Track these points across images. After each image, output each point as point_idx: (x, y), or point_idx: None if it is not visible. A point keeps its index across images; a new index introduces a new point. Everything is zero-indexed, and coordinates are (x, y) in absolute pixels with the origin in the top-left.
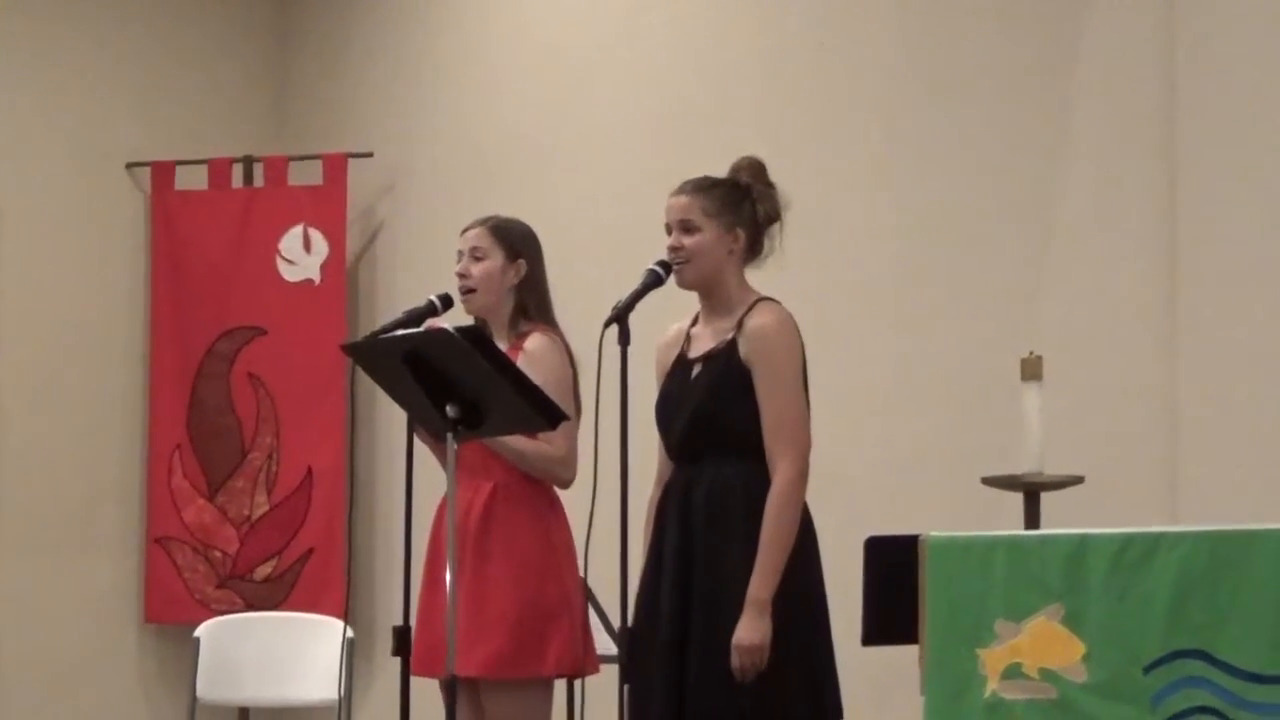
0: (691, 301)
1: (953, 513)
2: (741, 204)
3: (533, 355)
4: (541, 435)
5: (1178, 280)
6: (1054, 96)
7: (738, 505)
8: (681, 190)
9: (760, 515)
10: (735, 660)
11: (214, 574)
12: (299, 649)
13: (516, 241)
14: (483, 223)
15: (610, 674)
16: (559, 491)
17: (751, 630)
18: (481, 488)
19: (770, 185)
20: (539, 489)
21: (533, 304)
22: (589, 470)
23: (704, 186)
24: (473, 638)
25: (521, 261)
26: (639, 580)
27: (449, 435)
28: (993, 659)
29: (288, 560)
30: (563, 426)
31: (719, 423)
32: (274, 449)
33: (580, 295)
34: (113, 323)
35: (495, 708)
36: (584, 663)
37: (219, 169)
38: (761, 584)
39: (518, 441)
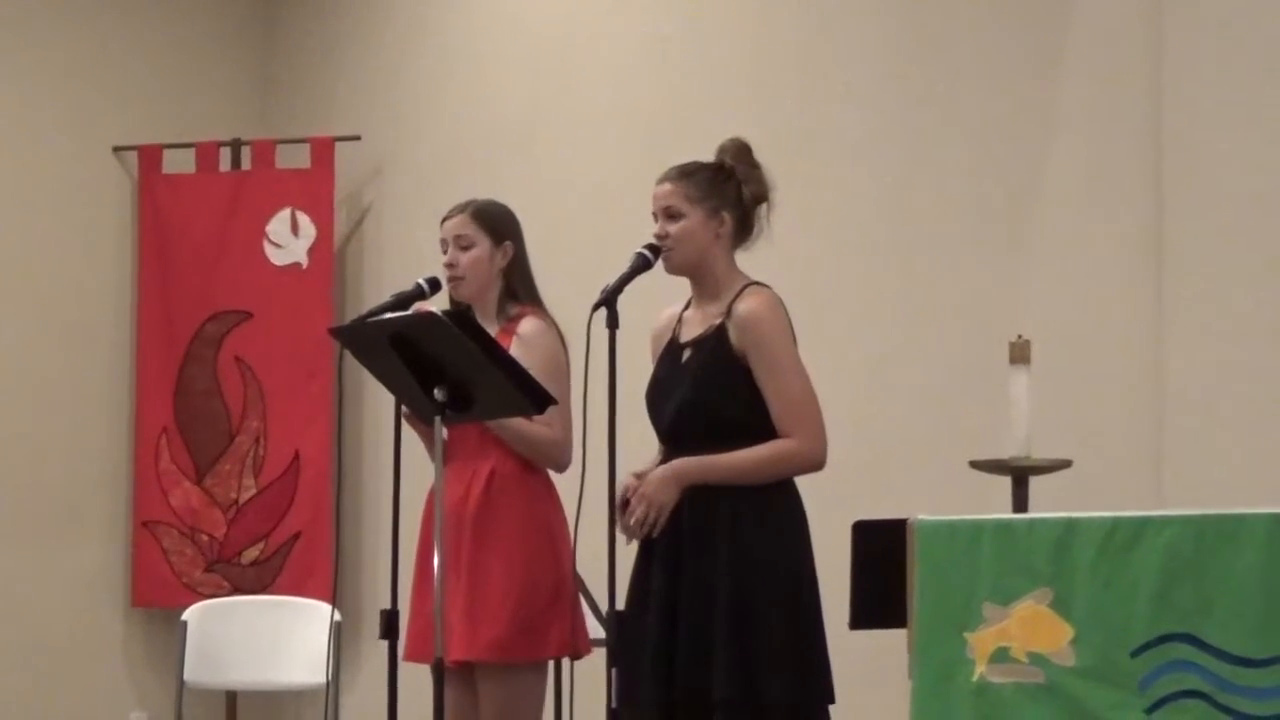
0: (680, 284)
1: (940, 496)
2: (726, 187)
3: (527, 339)
4: (537, 419)
5: (1164, 265)
6: (1041, 82)
7: (725, 491)
8: (665, 177)
9: (746, 501)
10: (635, 508)
11: (201, 558)
12: (286, 633)
13: (501, 225)
14: (463, 209)
15: (598, 657)
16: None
17: (661, 487)
18: (478, 472)
19: (755, 166)
20: (535, 473)
21: (520, 286)
22: (577, 454)
23: (688, 172)
24: (474, 622)
25: (508, 244)
26: (632, 565)
27: (436, 419)
28: (981, 642)
29: (275, 544)
30: (558, 410)
31: (707, 409)
32: (261, 433)
33: (568, 279)
34: (100, 306)
35: (493, 691)
36: (579, 644)
37: (206, 152)
38: (697, 467)
39: (519, 423)
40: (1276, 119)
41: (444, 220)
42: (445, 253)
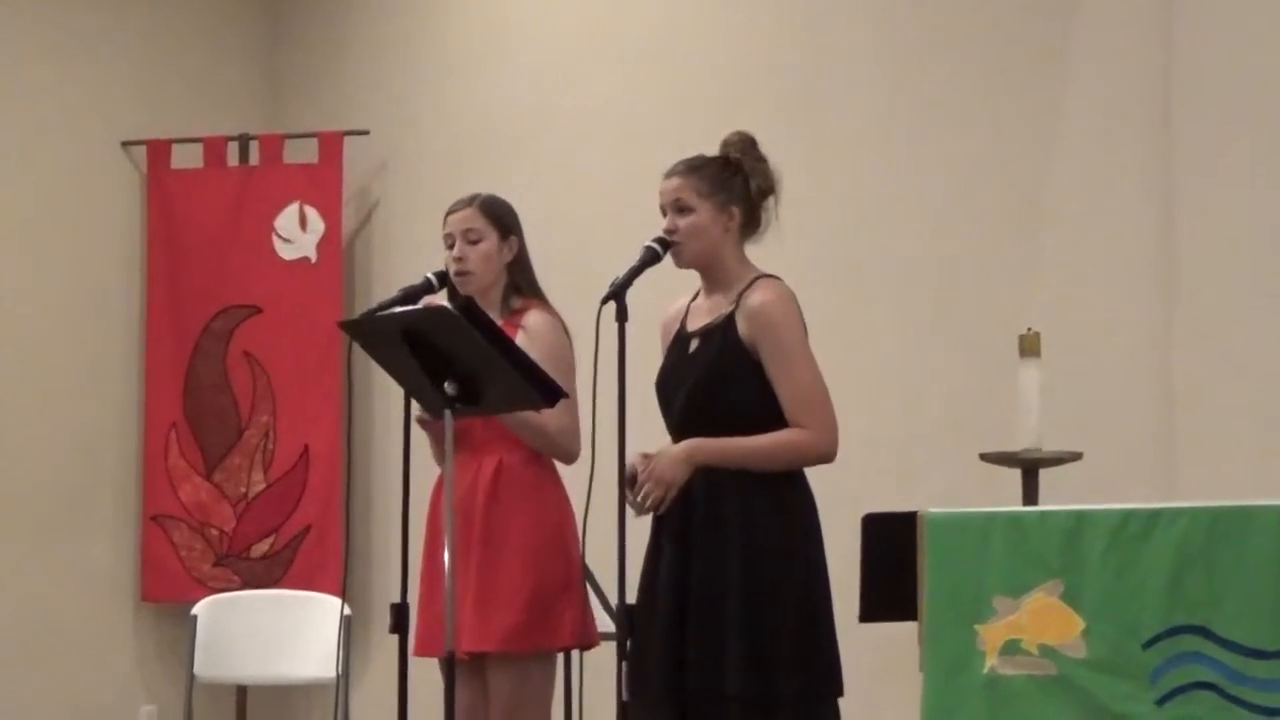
0: (690, 277)
1: (951, 489)
2: (733, 180)
3: (533, 332)
4: (546, 411)
5: (1174, 256)
6: (1049, 74)
7: (734, 482)
8: (673, 172)
9: (757, 493)
10: (643, 484)
11: (211, 552)
12: (296, 627)
13: (506, 218)
14: (469, 203)
15: (607, 650)
16: (560, 467)
17: (671, 465)
18: (485, 465)
19: (761, 159)
20: (541, 464)
21: (523, 280)
22: (586, 447)
23: (695, 166)
24: (487, 613)
25: (514, 238)
26: (643, 557)
27: (447, 412)
28: (992, 635)
29: (285, 538)
30: (566, 402)
31: (716, 399)
32: (270, 427)
33: (576, 273)
34: (109, 301)
35: (504, 683)
36: (588, 635)
37: (215, 147)
38: (709, 448)
39: (531, 414)
40: None
41: (449, 214)
42: (450, 246)
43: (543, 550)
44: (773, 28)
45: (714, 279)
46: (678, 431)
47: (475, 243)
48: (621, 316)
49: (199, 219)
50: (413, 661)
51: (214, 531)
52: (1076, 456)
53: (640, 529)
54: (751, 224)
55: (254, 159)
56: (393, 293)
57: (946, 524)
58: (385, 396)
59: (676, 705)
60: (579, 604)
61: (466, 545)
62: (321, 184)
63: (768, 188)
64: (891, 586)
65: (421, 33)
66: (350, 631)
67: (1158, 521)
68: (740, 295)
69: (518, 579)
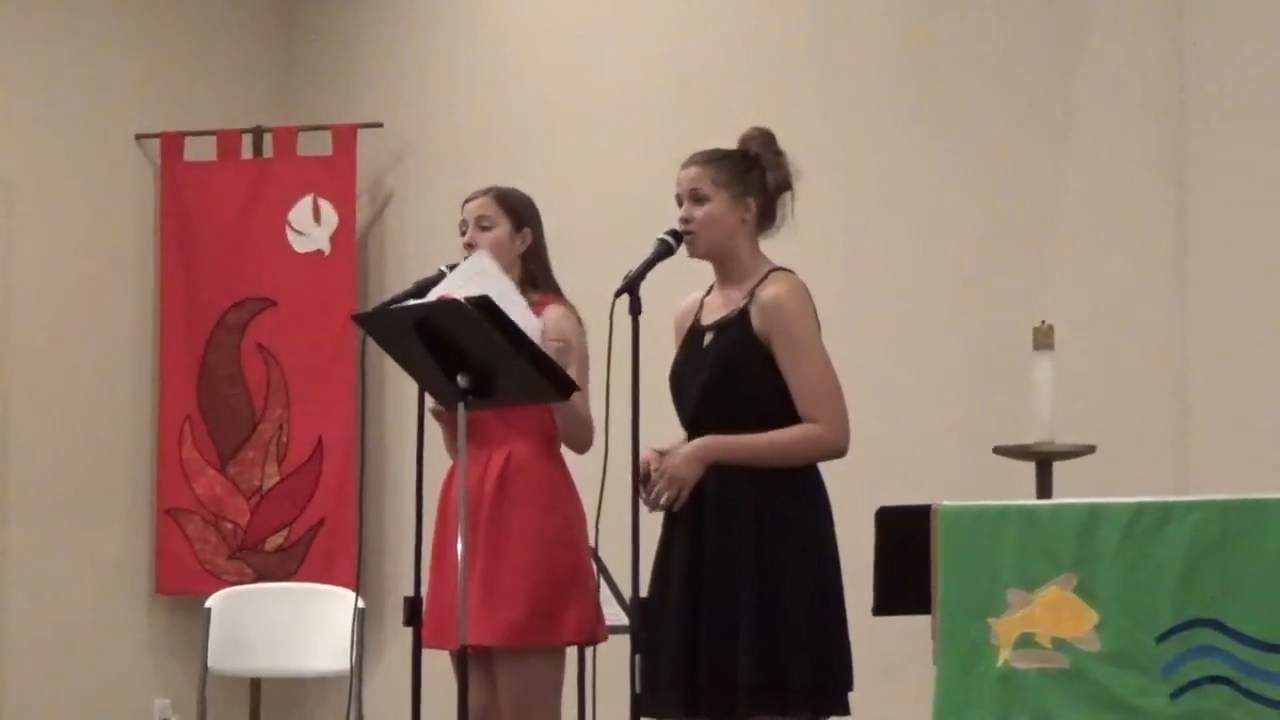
0: (703, 271)
1: (964, 482)
2: (751, 174)
3: (549, 326)
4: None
5: (1187, 250)
6: (1064, 66)
7: (747, 477)
8: (691, 161)
9: (770, 485)
10: (656, 483)
11: (225, 545)
12: (310, 619)
13: (522, 210)
14: (486, 192)
15: (621, 643)
16: (573, 460)
17: (684, 464)
18: (494, 457)
19: (780, 154)
20: (552, 458)
21: (539, 273)
22: (600, 440)
23: (714, 158)
24: (490, 607)
25: (528, 230)
26: (655, 549)
27: (459, 405)
28: (1005, 629)
29: (298, 531)
30: (581, 396)
31: (729, 393)
32: (284, 420)
33: (590, 265)
34: (122, 294)
35: (510, 677)
36: (596, 630)
37: (228, 140)
38: (721, 446)
39: (575, 401)
40: None
41: (466, 202)
42: (464, 234)
43: (549, 544)
44: (787, 26)
45: (727, 272)
46: (691, 425)
47: (486, 230)
48: (635, 310)
49: (213, 212)
50: (426, 654)
51: (228, 524)
52: (1090, 450)
53: (654, 521)
54: (767, 219)
55: (268, 152)
56: (406, 285)
57: (960, 517)
58: (399, 389)
59: (688, 697)
60: (586, 599)
61: (474, 537)
62: (335, 177)
63: (785, 183)
64: (905, 580)
65: (435, 25)
66: (364, 624)
67: (1171, 515)
68: (754, 289)
69: (523, 573)
